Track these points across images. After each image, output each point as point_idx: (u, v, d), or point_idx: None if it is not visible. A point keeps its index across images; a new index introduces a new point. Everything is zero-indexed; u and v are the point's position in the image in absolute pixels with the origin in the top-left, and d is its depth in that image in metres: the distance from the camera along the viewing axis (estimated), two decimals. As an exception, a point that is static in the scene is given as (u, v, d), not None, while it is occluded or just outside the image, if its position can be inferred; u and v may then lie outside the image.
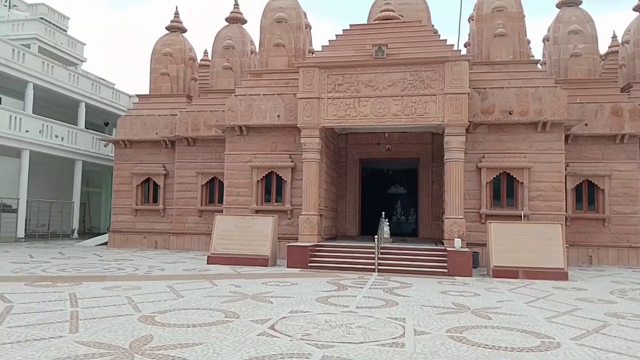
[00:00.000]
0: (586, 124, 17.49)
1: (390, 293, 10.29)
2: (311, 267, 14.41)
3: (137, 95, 23.04)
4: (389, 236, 17.08)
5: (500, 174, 16.16)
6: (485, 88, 16.29)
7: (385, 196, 23.58)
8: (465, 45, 18.88)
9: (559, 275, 13.19)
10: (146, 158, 21.88)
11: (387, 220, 17.59)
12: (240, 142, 17.97)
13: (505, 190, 16.29)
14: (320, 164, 16.29)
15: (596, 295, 10.62)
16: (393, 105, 15.48)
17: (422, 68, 15.37)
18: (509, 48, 17.16)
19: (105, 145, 27.46)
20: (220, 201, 20.42)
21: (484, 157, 16.25)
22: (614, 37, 20.95)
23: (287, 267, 14.55)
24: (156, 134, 21.69)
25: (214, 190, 20.78)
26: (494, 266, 13.63)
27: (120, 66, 59.19)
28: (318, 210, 16.10)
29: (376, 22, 17.52)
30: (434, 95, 15.25)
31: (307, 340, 6.17)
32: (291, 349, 5.74)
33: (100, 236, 23.97)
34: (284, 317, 7.48)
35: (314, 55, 17.04)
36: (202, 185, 20.58)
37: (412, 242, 17.87)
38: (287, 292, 10.03)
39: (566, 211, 16.68)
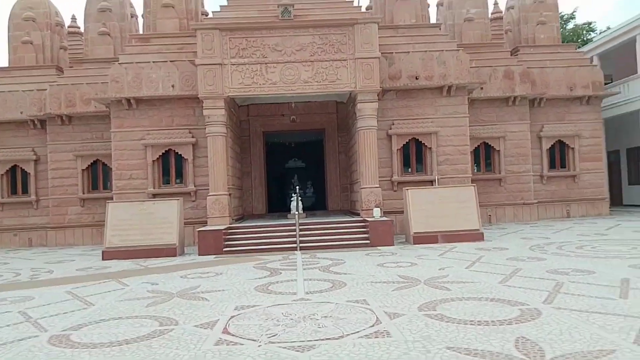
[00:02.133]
0: (481, 88, 18.01)
1: (328, 272, 9.52)
2: (227, 252, 13.15)
3: (-7, 68, 19.42)
4: (301, 211, 16.27)
5: (409, 140, 16.04)
6: (392, 53, 15.94)
7: (290, 170, 22.77)
8: (367, 9, 18.36)
9: (476, 236, 13.41)
10: (10, 142, 18.61)
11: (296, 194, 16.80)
12: (129, 117, 15.84)
13: (415, 157, 16.24)
14: (226, 139, 14.87)
15: (521, 253, 10.81)
16: (303, 72, 14.49)
17: (331, 31, 14.51)
18: (411, 11, 16.96)
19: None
20: (106, 187, 18.23)
21: (393, 124, 16.00)
22: (496, 3, 21.81)
23: (200, 254, 13.14)
24: (21, 112, 18.46)
25: (97, 174, 18.34)
26: (414, 233, 13.50)
27: None
28: (227, 189, 14.75)
29: (276, -19, 16.21)
30: (345, 60, 14.51)
31: (279, 343, 5.13)
32: (268, 358, 4.68)
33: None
34: (233, 317, 6.33)
35: (211, 16, 15.34)
36: (83, 170, 18.02)
37: (323, 215, 17.30)
38: (216, 284, 8.80)
39: (469, 173, 17.14)
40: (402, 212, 15.09)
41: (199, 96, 14.51)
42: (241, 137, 18.73)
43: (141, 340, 5.46)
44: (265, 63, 14.47)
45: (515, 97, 18.29)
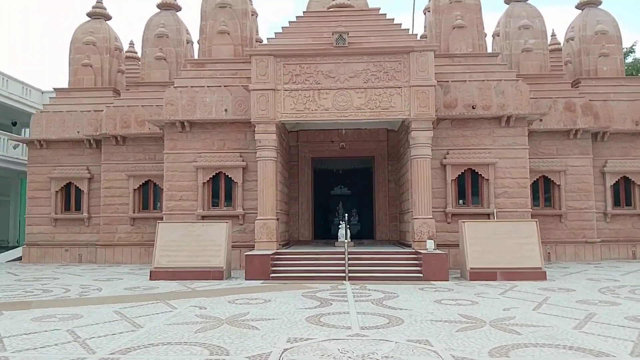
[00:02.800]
0: (541, 120, 17.28)
1: (382, 306, 9.01)
2: (274, 278, 12.82)
3: (55, 89, 20.18)
4: (349, 239, 15.82)
5: (465, 170, 15.45)
6: (447, 81, 15.54)
7: (335, 197, 22.46)
8: (421, 38, 18.17)
9: (538, 275, 12.58)
10: (67, 160, 19.14)
11: (344, 222, 16.40)
12: (182, 139, 15.98)
13: (470, 188, 15.61)
14: (276, 163, 14.73)
15: (591, 296, 9.99)
16: (356, 98, 14.27)
17: (385, 58, 14.29)
18: (468, 40, 16.58)
19: (14, 147, 24.02)
20: (156, 207, 18.35)
21: (448, 154, 15.48)
22: (553, 35, 21.20)
23: (246, 279, 12.86)
24: (78, 132, 19.03)
25: (148, 194, 18.53)
26: (471, 268, 12.79)
27: (28, 61, 53.26)
28: (275, 214, 14.53)
29: (332, 9, 16.25)
30: (399, 87, 14.22)
31: (340, 383, 4.70)
32: (330, 401, 4.25)
33: (11, 250, 20.82)
34: (286, 350, 5.94)
35: (265, 43, 15.44)
36: (134, 190, 18.25)
37: (371, 244, 16.79)
38: (265, 312, 8.44)
39: (526, 208, 16.31)
40: (455, 245, 14.46)
41: (251, 120, 14.49)
42: (289, 162, 18.60)
43: (192, 370, 5.14)
44: (318, 89, 14.35)
45: (577, 130, 17.43)
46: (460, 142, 15.54)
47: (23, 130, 29.12)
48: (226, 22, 16.81)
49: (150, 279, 12.91)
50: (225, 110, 15.76)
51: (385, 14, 15.53)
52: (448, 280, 12.60)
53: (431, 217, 14.10)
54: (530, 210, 15.46)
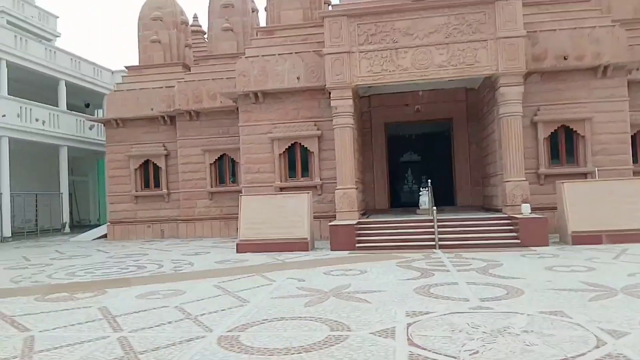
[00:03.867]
0: (638, 69, 15.65)
1: (490, 275, 8.42)
2: (360, 248, 12.46)
3: (127, 67, 20.44)
4: (427, 206, 15.18)
5: (557, 128, 14.30)
6: (535, 31, 14.28)
7: (406, 164, 21.68)
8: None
9: (648, 236, 11.51)
10: (143, 137, 19.46)
11: (426, 189, 15.74)
12: (256, 110, 15.71)
13: (564, 146, 14.46)
14: (354, 130, 14.21)
15: None
16: (437, 55, 13.40)
17: (468, 10, 13.28)
18: (555, -15, 15.11)
19: (90, 128, 24.84)
20: (233, 181, 18.41)
21: (539, 110, 14.35)
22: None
23: (332, 249, 12.59)
24: (152, 109, 19.24)
25: (223, 168, 18.58)
26: (573, 232, 11.89)
27: (96, 41, 54.85)
28: (355, 183, 14.09)
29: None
30: (485, 40, 13.22)
31: (490, 363, 4.22)
32: (491, 384, 3.79)
33: (96, 229, 21.62)
34: (410, 324, 5.52)
35: (337, 3, 14.74)
36: (211, 164, 18.34)
37: (453, 211, 16.02)
38: (368, 284, 8.06)
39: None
40: (550, 208, 13.55)
41: (326, 86, 13.98)
42: (363, 129, 18.00)
43: (320, 347, 4.82)
44: (396, 48, 13.59)
45: (672, 78, 15.70)
46: (551, 97, 14.36)
47: (95, 111, 30.06)
48: (294, -15, 16.18)
49: (238, 252, 12.89)
50: (298, 78, 15.31)
51: (462, -37, 14.34)
52: (548, 246, 11.79)
53: (524, 179, 13.21)
54: (632, 167, 14.16)
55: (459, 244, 12.17)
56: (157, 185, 19.48)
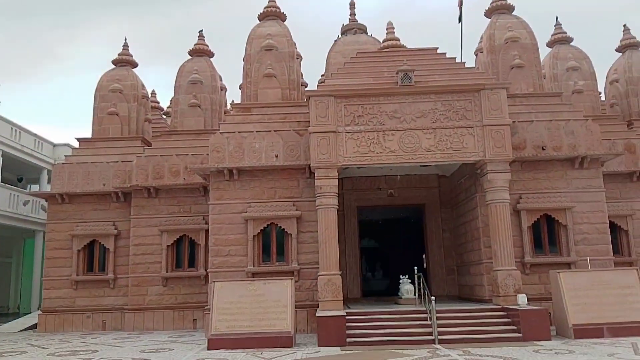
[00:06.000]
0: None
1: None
2: (351, 343, 11.15)
3: (78, 139, 18.78)
4: (412, 296, 14.30)
5: (540, 216, 14.23)
6: (514, 121, 14.52)
7: (386, 249, 20.92)
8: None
9: (649, 330, 11.14)
10: (91, 215, 17.53)
11: (407, 277, 14.95)
12: (230, 188, 14.58)
13: (547, 235, 14.32)
14: (336, 212, 13.40)
15: None
16: (425, 139, 13.18)
17: (454, 97, 13.36)
18: (528, 80, 15.81)
19: (24, 204, 22.36)
20: (191, 265, 16.85)
21: (521, 198, 14.28)
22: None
23: (319, 345, 11.17)
24: (104, 184, 17.55)
25: (182, 251, 16.93)
26: (574, 324, 11.36)
27: (35, 113, 51.43)
28: (339, 268, 13.04)
29: (387, 49, 15.47)
30: (471, 127, 13.21)
31: None
32: None
33: (23, 318, 18.84)
34: None
35: (323, 84, 14.42)
36: (168, 246, 16.64)
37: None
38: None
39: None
40: (537, 299, 13.19)
41: (311, 165, 13.28)
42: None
43: None
44: (383, 131, 13.28)
45: (640, 172, 16.49)
46: (532, 186, 14.41)
47: (29, 186, 27.51)
48: (272, 65, 15.87)
49: (209, 349, 11.15)
50: (276, 156, 14.53)
51: (445, 53, 14.72)
52: (551, 340, 11.10)
53: (515, 268, 12.78)
54: (613, 257, 14.16)
55: (459, 338, 11.22)
56: (102, 269, 17.34)
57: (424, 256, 21.10)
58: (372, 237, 20.80)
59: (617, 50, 20.09)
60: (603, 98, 20.15)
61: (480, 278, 14.21)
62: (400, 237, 20.74)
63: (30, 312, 21.42)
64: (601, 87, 19.96)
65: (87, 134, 19.14)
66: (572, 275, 12.06)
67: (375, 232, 20.94)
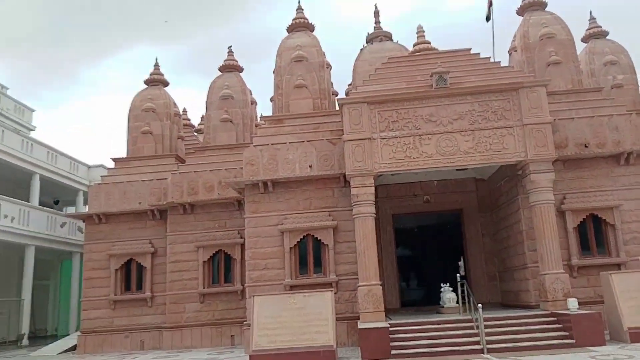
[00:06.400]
0: (647, 158, 15.59)
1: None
2: (395, 355, 10.83)
3: (114, 159, 19.00)
4: (455, 304, 13.84)
5: (586, 217, 13.65)
6: (554, 119, 14.06)
7: (420, 257, 20.44)
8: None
9: None
10: (127, 234, 17.62)
11: (448, 285, 14.51)
12: (265, 201, 14.46)
13: (594, 236, 13.72)
14: (374, 220, 13.11)
15: None
16: (463, 142, 12.84)
17: (492, 97, 13.00)
18: (566, 77, 15.35)
19: (62, 226, 22.74)
20: (228, 280, 16.72)
21: (565, 199, 13.75)
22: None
23: (363, 358, 10.89)
24: (139, 203, 17.64)
25: (218, 267, 16.83)
26: (629, 328, 10.86)
27: (67, 136, 52.96)
28: (379, 279, 12.73)
29: (418, 53, 15.24)
30: (511, 127, 12.83)
31: None
32: None
33: (61, 340, 18.94)
34: None
35: (356, 91, 14.21)
36: (204, 262, 16.56)
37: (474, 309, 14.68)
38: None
39: None
40: (586, 302, 12.56)
41: (346, 174, 13.08)
42: (372, 221, 16.89)
43: None
44: (419, 135, 13.00)
45: (691, 167, 15.69)
46: (576, 185, 13.86)
47: (64, 208, 28.01)
48: (303, 75, 15.79)
49: (257, 365, 10.93)
50: (310, 166, 14.36)
51: (478, 53, 14.38)
52: (605, 345, 10.53)
53: (563, 271, 12.25)
54: (666, 258, 13.45)
55: (508, 347, 10.78)
56: (140, 287, 17.36)
57: (459, 263, 20.62)
58: (406, 245, 20.34)
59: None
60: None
61: (526, 283, 13.69)
62: (436, 244, 20.25)
63: (68, 334, 21.62)
64: (640, 81, 19.27)
65: (122, 154, 19.40)
66: (625, 277, 11.50)
67: (410, 240, 20.50)
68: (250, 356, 11.18)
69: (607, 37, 18.62)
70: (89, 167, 25.68)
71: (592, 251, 13.68)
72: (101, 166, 25.38)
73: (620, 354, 9.47)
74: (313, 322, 11.46)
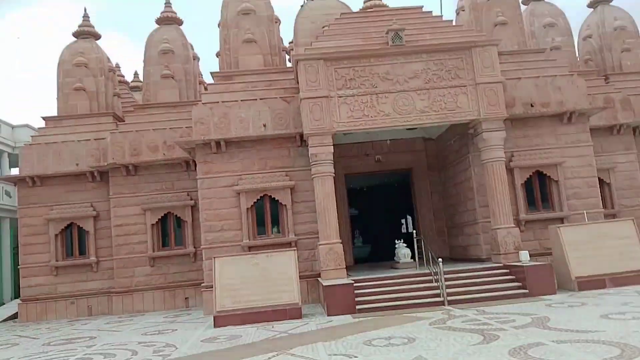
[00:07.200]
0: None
1: (557, 330, 7.51)
2: (361, 310, 11.01)
3: (44, 118, 17.55)
4: (410, 259, 14.28)
5: (532, 173, 14.32)
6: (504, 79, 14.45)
7: (366, 216, 20.80)
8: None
9: (647, 277, 11.49)
10: (66, 197, 16.59)
11: (402, 241, 14.90)
12: (218, 161, 13.97)
13: (539, 191, 14.46)
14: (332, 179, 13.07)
15: None
16: (418, 101, 12.90)
17: (446, 56, 13.07)
18: (512, 37, 15.69)
19: (-14, 190, 20.98)
20: (179, 243, 16.20)
21: (513, 156, 14.30)
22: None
23: (329, 314, 10.98)
24: (77, 164, 16.59)
25: (168, 229, 16.30)
26: (577, 277, 11.60)
27: None
28: (339, 236, 12.82)
29: (371, 9, 14.97)
30: (464, 86, 13.01)
31: None
32: None
33: (0, 308, 17.75)
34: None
35: (311, 47, 13.76)
36: (153, 225, 15.98)
37: (425, 264, 15.24)
38: (442, 355, 6.71)
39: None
40: (533, 254, 13.17)
41: (304, 133, 12.84)
42: (324, 181, 16.85)
43: None
44: (376, 93, 12.92)
45: (620, 126, 16.83)
46: (523, 143, 14.44)
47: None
48: (252, 29, 15.11)
49: (216, 326, 10.79)
50: (264, 125, 13.96)
51: (431, 11, 14.34)
52: (556, 294, 11.27)
53: (514, 225, 12.88)
54: (603, 210, 14.48)
55: (467, 298, 11.25)
56: (83, 252, 16.52)
57: (402, 221, 21.16)
58: (357, 204, 20.61)
59: (589, 5, 20.27)
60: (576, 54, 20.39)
61: (476, 238, 14.29)
62: (387, 203, 20.69)
63: (3, 303, 20.38)
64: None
65: (52, 112, 17.97)
66: (572, 229, 12.24)
67: (362, 200, 20.77)
68: (214, 317, 11.00)
69: (546, 0, 19.21)
70: (13, 127, 23.66)
71: (537, 206, 14.42)
72: (27, 126, 23.50)
73: (573, 301, 10.16)
74: (277, 281, 11.42)
